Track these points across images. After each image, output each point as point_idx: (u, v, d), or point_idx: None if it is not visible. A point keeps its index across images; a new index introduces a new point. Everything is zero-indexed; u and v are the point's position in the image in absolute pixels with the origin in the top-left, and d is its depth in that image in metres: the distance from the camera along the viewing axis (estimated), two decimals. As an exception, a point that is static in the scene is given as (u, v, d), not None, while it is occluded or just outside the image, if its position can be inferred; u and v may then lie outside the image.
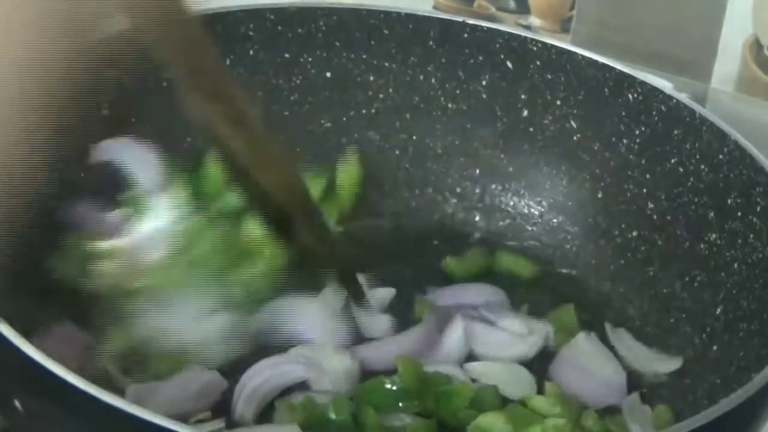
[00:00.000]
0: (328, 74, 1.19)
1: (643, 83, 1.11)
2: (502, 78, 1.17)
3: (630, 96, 1.11)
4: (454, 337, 1.01)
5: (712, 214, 1.04)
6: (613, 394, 0.99)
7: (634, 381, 1.01)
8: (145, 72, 1.11)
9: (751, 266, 0.99)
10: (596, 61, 1.13)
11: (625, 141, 1.12)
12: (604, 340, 1.05)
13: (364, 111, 1.20)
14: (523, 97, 1.17)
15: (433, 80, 1.19)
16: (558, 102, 1.15)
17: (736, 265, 1.00)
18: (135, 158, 1.09)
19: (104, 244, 1.00)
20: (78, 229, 1.02)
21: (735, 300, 0.99)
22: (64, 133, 0.73)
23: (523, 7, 1.33)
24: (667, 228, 1.08)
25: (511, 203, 1.18)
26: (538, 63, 1.16)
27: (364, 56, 1.19)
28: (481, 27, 1.17)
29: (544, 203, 1.17)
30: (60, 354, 0.81)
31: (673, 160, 1.08)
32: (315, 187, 1.09)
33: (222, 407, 0.95)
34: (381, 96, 1.20)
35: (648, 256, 1.09)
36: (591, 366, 1.00)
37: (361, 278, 1.04)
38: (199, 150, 1.07)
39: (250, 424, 0.93)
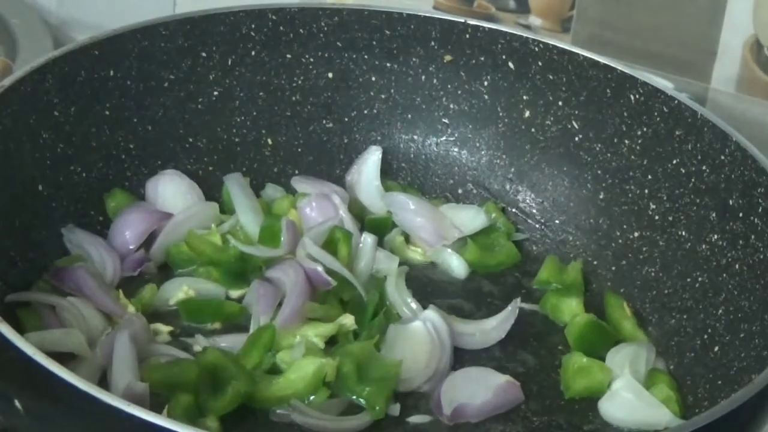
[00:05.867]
0: (330, 75, 1.19)
1: (644, 84, 1.11)
2: (503, 78, 1.17)
3: (632, 97, 1.11)
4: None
5: (713, 214, 1.04)
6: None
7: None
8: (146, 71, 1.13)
9: (752, 267, 0.99)
10: (598, 62, 1.13)
11: (626, 142, 1.12)
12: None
13: (365, 111, 1.20)
14: (524, 97, 1.17)
15: (434, 81, 1.19)
16: (560, 103, 1.16)
17: (737, 266, 1.00)
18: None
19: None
20: None
21: (736, 301, 0.99)
22: None
23: (523, 7, 1.32)
24: (669, 229, 1.08)
25: (513, 204, 1.18)
26: (539, 64, 1.16)
27: (366, 57, 1.19)
28: (483, 28, 1.17)
29: (545, 204, 1.17)
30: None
31: (674, 161, 1.08)
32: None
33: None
34: (383, 96, 1.20)
35: (649, 256, 1.09)
36: None
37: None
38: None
39: None
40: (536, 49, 1.16)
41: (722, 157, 1.04)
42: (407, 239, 1.14)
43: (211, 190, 1.14)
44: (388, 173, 1.19)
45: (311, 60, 1.19)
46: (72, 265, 1.02)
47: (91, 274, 1.02)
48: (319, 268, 1.02)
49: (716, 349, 0.99)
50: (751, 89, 1.25)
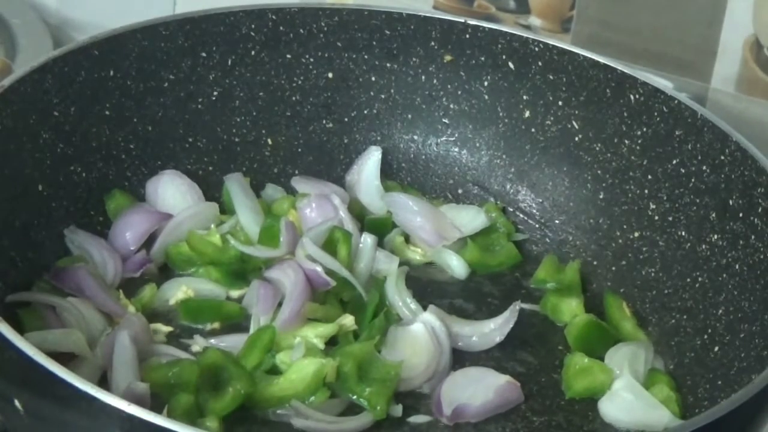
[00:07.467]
0: (330, 75, 1.19)
1: (644, 84, 1.11)
2: (503, 79, 1.17)
3: (632, 97, 1.11)
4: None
5: (713, 214, 1.04)
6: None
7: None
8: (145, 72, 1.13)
9: (752, 267, 0.99)
10: (598, 62, 1.13)
11: (626, 142, 1.12)
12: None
13: (365, 111, 1.20)
14: (524, 97, 1.17)
15: (434, 81, 1.19)
16: (560, 103, 1.16)
17: (737, 266, 1.00)
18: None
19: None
20: None
21: (736, 301, 0.99)
22: None
23: (523, 7, 1.33)
24: (669, 229, 1.08)
25: (513, 204, 1.18)
26: (539, 64, 1.16)
27: (366, 57, 1.19)
28: (483, 28, 1.17)
29: (545, 204, 1.17)
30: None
31: (674, 161, 1.08)
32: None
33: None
34: (383, 96, 1.20)
35: (649, 256, 1.09)
36: None
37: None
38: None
39: None
40: (536, 49, 1.16)
41: (722, 157, 1.04)
42: (407, 239, 1.14)
43: (211, 190, 1.14)
44: (388, 173, 1.20)
45: (311, 60, 1.19)
46: (72, 265, 1.02)
47: (92, 274, 1.02)
48: (319, 269, 1.02)
49: (716, 349, 0.99)
50: (751, 89, 1.25)
